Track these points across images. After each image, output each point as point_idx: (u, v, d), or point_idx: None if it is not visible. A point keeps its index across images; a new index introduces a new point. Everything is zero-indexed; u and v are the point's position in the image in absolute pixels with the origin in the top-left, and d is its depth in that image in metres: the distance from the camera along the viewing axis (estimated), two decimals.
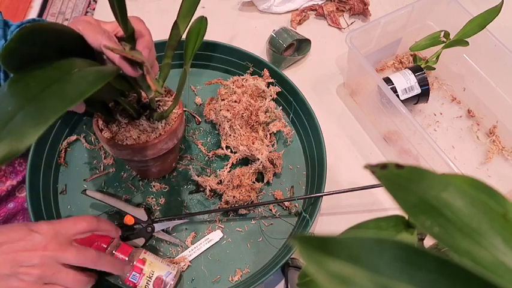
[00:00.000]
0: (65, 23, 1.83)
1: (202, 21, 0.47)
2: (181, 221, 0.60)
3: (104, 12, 0.84)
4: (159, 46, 0.69)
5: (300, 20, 0.83)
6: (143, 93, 0.53)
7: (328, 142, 0.62)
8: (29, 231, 0.42)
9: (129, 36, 0.43)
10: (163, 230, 0.59)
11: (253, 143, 0.61)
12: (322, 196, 0.58)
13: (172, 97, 0.56)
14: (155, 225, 0.58)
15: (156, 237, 0.59)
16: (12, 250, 0.40)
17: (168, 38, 0.47)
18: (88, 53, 0.40)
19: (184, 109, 0.69)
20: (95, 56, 0.42)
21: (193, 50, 0.48)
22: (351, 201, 0.64)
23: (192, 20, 0.46)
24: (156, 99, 0.54)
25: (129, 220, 0.58)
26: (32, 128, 0.28)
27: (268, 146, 0.63)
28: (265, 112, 0.64)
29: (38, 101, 0.30)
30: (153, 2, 0.85)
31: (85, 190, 0.59)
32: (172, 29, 0.46)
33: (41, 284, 0.41)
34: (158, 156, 0.54)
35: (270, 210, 0.62)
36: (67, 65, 0.35)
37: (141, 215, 0.59)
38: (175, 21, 0.45)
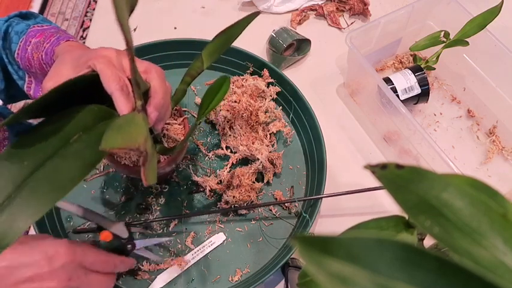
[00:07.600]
0: (65, 23, 1.84)
1: (226, 80, 0.46)
2: (166, 239, 0.56)
3: (104, 12, 0.85)
4: (160, 46, 0.69)
5: (300, 20, 0.83)
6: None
7: (328, 142, 0.62)
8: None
9: (143, 92, 0.41)
10: (146, 247, 0.53)
11: (253, 143, 0.61)
12: (322, 198, 0.58)
13: (181, 119, 0.55)
14: (137, 241, 0.52)
15: (137, 255, 0.53)
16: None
17: (188, 67, 0.47)
18: (100, 92, 0.40)
19: (184, 109, 0.69)
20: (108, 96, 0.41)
21: (208, 107, 0.46)
22: (351, 203, 0.64)
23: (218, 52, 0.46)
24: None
25: (105, 236, 0.49)
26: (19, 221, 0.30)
27: (268, 146, 0.63)
28: (265, 112, 0.64)
29: (27, 189, 0.32)
30: (153, 2, 0.85)
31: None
32: (195, 60, 0.46)
33: None
34: None
35: (270, 210, 0.62)
36: (69, 128, 0.35)
37: (121, 231, 0.51)
38: (200, 54, 0.45)
